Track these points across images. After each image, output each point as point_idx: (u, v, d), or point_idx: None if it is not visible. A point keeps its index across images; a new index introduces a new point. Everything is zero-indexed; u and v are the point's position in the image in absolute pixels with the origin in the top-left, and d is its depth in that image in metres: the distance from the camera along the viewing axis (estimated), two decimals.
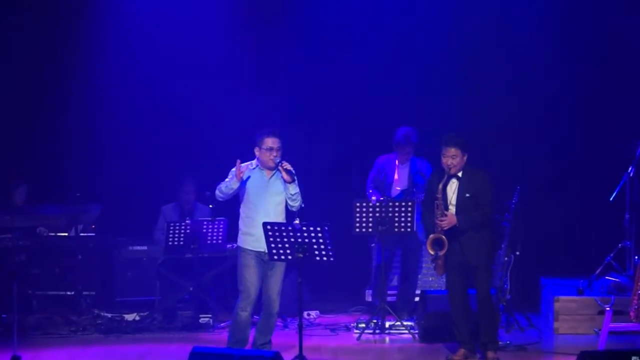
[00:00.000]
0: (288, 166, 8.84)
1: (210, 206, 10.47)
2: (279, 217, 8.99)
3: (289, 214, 9.05)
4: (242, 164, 8.94)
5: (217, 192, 9.06)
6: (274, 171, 9.00)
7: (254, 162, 9.08)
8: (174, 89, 12.11)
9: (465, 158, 9.03)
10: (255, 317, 9.27)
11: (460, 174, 9.04)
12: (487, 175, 9.10)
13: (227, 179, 9.01)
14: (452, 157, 8.97)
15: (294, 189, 8.92)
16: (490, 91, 11.88)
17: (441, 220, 8.93)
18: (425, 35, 11.91)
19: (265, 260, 8.91)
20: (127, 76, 12.00)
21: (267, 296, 8.99)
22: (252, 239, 8.93)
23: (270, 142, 8.95)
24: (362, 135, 12.06)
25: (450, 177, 9.01)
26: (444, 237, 8.93)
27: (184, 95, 12.16)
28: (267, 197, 8.99)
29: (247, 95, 12.06)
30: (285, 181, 8.91)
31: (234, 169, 8.95)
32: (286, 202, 9.02)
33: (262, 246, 8.80)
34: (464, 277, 9.09)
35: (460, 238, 8.97)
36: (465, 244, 8.98)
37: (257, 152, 9.03)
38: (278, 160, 8.86)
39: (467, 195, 8.98)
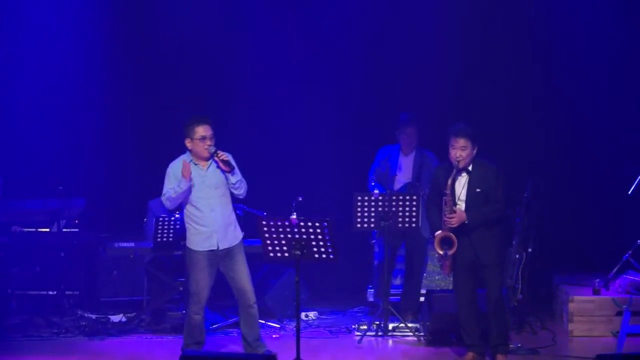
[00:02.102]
0: (224, 156, 8.70)
1: None
2: (226, 208, 8.88)
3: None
4: (173, 163, 8.86)
5: (165, 201, 8.87)
6: (209, 162, 8.80)
7: (185, 156, 8.88)
8: (161, 76, 11.98)
9: (475, 150, 8.77)
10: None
11: (470, 168, 8.79)
12: (500, 169, 8.85)
13: (169, 186, 8.80)
14: (462, 149, 8.71)
15: (234, 178, 8.78)
16: (502, 80, 11.78)
17: (450, 218, 8.69)
18: (430, 22, 11.80)
19: (219, 256, 8.79)
20: (110, 63, 11.96)
21: (239, 289, 8.87)
22: (201, 237, 8.83)
23: (202, 130, 8.75)
24: (363, 126, 11.93)
25: (459, 171, 8.74)
26: (452, 235, 8.69)
27: (172, 82, 12.02)
28: (208, 191, 8.82)
29: (242, 85, 12.00)
30: (223, 171, 8.74)
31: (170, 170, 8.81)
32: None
33: (212, 244, 8.76)
34: (473, 276, 8.88)
35: (471, 234, 8.74)
36: (476, 240, 8.74)
37: (188, 143, 8.82)
38: (213, 150, 8.68)
39: (478, 190, 8.76)
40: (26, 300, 10.87)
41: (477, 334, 8.88)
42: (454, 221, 8.66)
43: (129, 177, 11.79)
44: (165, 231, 10.26)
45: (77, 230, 11.00)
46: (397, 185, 10.57)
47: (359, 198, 10.00)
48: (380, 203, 9.97)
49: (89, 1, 11.94)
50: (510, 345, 9.06)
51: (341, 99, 12.02)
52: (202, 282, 8.79)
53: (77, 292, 11.03)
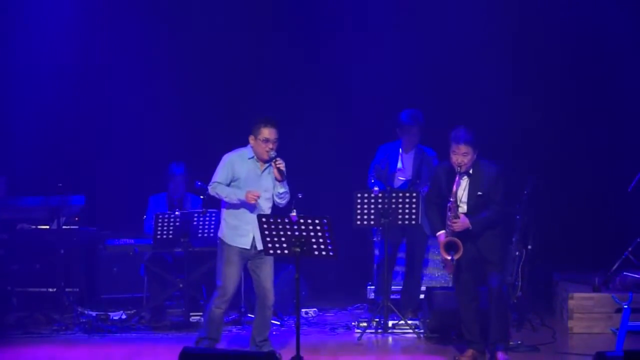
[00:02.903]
0: (282, 166, 8.68)
1: (202, 197, 10.14)
2: (267, 212, 8.77)
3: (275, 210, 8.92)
4: (233, 154, 8.80)
5: (214, 191, 8.84)
6: (267, 165, 8.78)
7: (246, 150, 8.84)
8: (160, 73, 11.96)
9: (475, 155, 8.70)
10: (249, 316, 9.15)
11: (470, 171, 8.74)
12: (500, 170, 8.80)
13: (222, 178, 8.74)
14: (464, 155, 8.64)
15: (282, 187, 8.78)
16: (503, 78, 11.68)
17: (454, 223, 8.62)
18: (431, 20, 11.79)
19: (251, 255, 8.78)
20: (110, 61, 11.94)
21: (261, 288, 8.83)
22: (237, 233, 8.80)
23: (267, 132, 8.70)
24: (363, 123, 11.89)
25: (460, 175, 8.67)
26: (457, 240, 8.62)
27: (174, 78, 12.02)
28: (259, 191, 8.77)
29: (242, 81, 12.00)
30: (275, 178, 8.74)
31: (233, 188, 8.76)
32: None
33: (247, 243, 8.72)
34: (474, 273, 8.83)
35: (474, 235, 8.70)
36: (480, 240, 8.71)
37: (252, 141, 8.79)
38: (273, 155, 8.65)
39: (479, 193, 8.70)
40: (26, 297, 10.83)
41: (477, 331, 8.84)
42: (458, 227, 8.60)
43: (129, 174, 11.71)
44: (165, 228, 10.21)
45: (76, 227, 10.91)
46: (397, 183, 10.50)
47: (359, 195, 9.96)
48: (380, 200, 9.92)
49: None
50: (510, 342, 9.02)
51: (341, 96, 11.97)
52: (231, 277, 8.75)
53: (77, 289, 10.99)
